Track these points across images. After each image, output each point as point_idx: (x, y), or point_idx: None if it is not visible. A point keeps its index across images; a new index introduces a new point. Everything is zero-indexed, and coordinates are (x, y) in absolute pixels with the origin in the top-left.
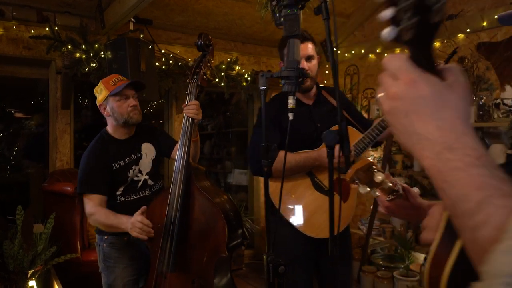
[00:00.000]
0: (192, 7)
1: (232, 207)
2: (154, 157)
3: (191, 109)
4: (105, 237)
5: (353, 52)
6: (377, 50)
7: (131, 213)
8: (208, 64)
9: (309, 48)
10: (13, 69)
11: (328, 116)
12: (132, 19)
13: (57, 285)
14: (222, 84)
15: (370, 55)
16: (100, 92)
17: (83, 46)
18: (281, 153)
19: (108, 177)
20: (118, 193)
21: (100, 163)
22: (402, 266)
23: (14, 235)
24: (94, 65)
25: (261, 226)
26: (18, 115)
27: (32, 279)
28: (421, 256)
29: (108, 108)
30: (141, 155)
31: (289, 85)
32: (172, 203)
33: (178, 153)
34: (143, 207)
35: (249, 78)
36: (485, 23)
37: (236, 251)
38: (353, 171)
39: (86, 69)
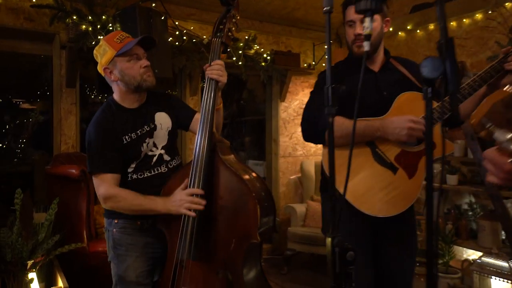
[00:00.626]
0: None
1: (262, 185)
2: (170, 129)
3: (215, 69)
4: (115, 221)
5: None
6: (408, 27)
7: (144, 192)
8: (234, 20)
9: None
10: (13, 43)
11: (398, 85)
12: None
13: (61, 278)
14: (240, 63)
15: (399, 33)
16: (103, 53)
17: (90, 18)
18: (338, 118)
19: (118, 152)
20: (129, 170)
21: (110, 136)
22: (441, 261)
23: (13, 223)
24: (101, 37)
25: (281, 219)
26: (25, 105)
27: (32, 271)
28: (462, 251)
29: (115, 71)
30: (155, 126)
31: None
32: (194, 179)
33: (201, 122)
34: (186, 181)
35: (268, 58)
36: None
37: (267, 237)
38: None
39: (93, 43)
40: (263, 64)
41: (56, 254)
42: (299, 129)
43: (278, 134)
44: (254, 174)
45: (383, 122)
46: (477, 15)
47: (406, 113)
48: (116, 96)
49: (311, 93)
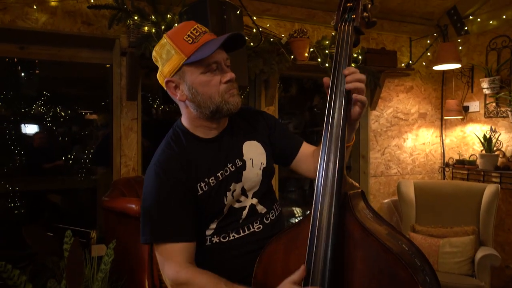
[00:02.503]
0: None
1: (412, 248)
2: (265, 165)
3: (356, 80)
4: None
5: (503, 17)
6: None
7: (230, 262)
8: None
9: None
10: (71, 52)
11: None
12: None
13: None
14: (327, 65)
15: None
16: (167, 58)
17: (153, 17)
18: None
19: (190, 208)
20: (208, 232)
21: (175, 185)
22: None
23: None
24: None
25: None
26: (92, 116)
27: None
28: None
29: (184, 86)
30: (244, 163)
31: None
32: (315, 266)
33: (322, 163)
34: (301, 268)
35: (359, 57)
36: None
37: None
38: None
39: None
40: (353, 65)
41: None
42: (393, 142)
43: (368, 149)
44: (399, 236)
45: None
46: None
47: None
48: (185, 120)
49: None
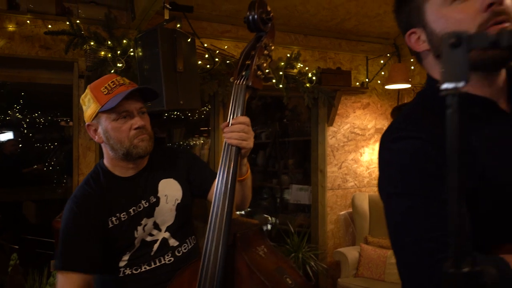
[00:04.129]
0: None
1: (296, 283)
2: (179, 202)
3: (236, 131)
4: None
5: None
6: None
7: None
8: (266, 52)
9: None
10: (31, 74)
11: None
12: (167, 5)
13: None
14: (281, 86)
15: None
16: (88, 105)
17: (109, 42)
18: None
19: (97, 242)
20: (121, 264)
21: (86, 220)
22: None
23: None
24: (121, 65)
25: (329, 262)
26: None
27: None
28: None
29: (100, 130)
30: (158, 199)
31: None
32: (205, 284)
33: (214, 202)
34: None
35: (313, 78)
36: None
37: None
38: None
39: (112, 71)
40: (307, 85)
41: None
42: (350, 156)
43: (325, 163)
44: (298, 279)
45: None
46: None
47: None
48: (105, 160)
49: (398, 195)
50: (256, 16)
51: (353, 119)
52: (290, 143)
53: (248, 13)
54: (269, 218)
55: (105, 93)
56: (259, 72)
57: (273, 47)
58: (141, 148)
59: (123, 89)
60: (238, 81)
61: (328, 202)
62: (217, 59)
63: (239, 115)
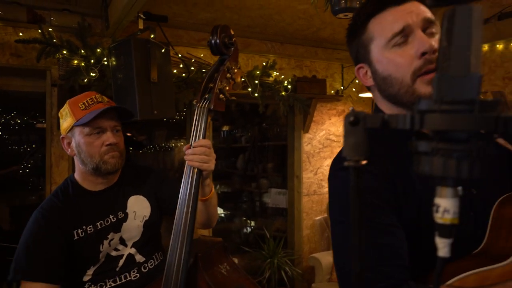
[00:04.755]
0: (220, 0)
1: None
2: (147, 219)
3: (197, 153)
4: None
5: None
6: None
7: None
8: (229, 76)
9: (422, 9)
10: (3, 81)
11: (496, 174)
12: (142, 15)
13: None
14: (256, 94)
15: None
16: (65, 118)
17: (82, 51)
18: None
19: (61, 254)
20: (85, 278)
21: (51, 231)
22: None
23: None
24: (94, 74)
25: (304, 267)
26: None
27: None
28: None
29: (73, 143)
30: (126, 215)
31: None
32: None
33: (175, 226)
34: None
35: (289, 86)
36: None
37: None
38: None
39: (86, 80)
40: (283, 93)
41: None
42: (326, 162)
43: (301, 169)
44: None
45: None
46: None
47: None
48: (76, 173)
49: (337, 223)
50: (218, 41)
51: (329, 126)
52: (270, 147)
53: (211, 37)
54: (248, 222)
55: (82, 108)
56: (221, 96)
57: (236, 70)
58: (110, 165)
59: (100, 106)
60: (201, 103)
61: (304, 208)
62: (192, 68)
63: (201, 137)
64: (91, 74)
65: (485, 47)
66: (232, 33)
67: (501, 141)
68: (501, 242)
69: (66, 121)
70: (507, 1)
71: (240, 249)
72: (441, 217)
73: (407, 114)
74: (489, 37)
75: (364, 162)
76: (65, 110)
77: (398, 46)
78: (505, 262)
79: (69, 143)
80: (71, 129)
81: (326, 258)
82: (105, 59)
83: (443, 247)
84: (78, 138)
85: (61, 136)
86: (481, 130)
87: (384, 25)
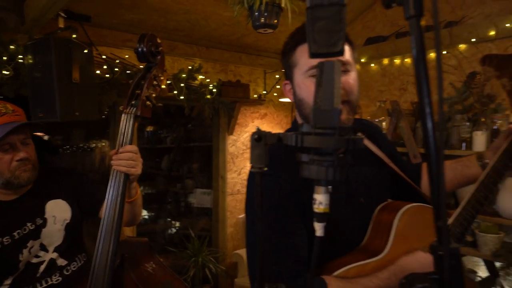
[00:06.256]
0: (146, 3)
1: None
2: (68, 221)
3: (124, 159)
4: None
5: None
6: (362, 60)
7: None
8: (155, 83)
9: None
10: None
11: (374, 179)
12: (62, 14)
13: None
14: (182, 97)
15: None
16: None
17: None
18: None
19: None
20: (4, 287)
21: None
22: None
23: None
24: (7, 72)
25: (228, 263)
26: None
27: None
28: None
29: None
30: (45, 221)
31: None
32: None
33: (102, 226)
34: None
35: (214, 90)
36: (493, 32)
37: None
38: None
39: None
40: (208, 97)
41: None
42: (249, 163)
43: (226, 170)
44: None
45: (403, 268)
46: (431, 54)
47: (414, 244)
48: None
49: (249, 222)
50: (145, 49)
51: (252, 128)
52: (195, 148)
53: (138, 45)
54: (173, 223)
55: None
56: (148, 102)
57: (162, 78)
58: (23, 179)
59: (6, 119)
60: (127, 109)
61: (228, 207)
62: (117, 69)
63: (127, 143)
64: (4, 72)
65: (386, 61)
66: (159, 41)
67: (385, 159)
68: (376, 241)
69: None
70: (403, 22)
71: (165, 249)
72: (317, 207)
73: (293, 134)
74: (388, 52)
75: (265, 168)
76: None
77: (314, 77)
78: (377, 257)
79: None
80: None
81: None
82: (20, 56)
83: (319, 229)
84: None
85: None
86: (340, 148)
87: (306, 56)
